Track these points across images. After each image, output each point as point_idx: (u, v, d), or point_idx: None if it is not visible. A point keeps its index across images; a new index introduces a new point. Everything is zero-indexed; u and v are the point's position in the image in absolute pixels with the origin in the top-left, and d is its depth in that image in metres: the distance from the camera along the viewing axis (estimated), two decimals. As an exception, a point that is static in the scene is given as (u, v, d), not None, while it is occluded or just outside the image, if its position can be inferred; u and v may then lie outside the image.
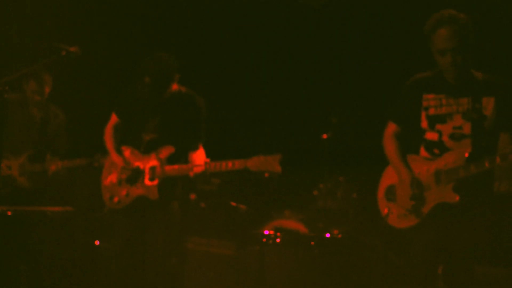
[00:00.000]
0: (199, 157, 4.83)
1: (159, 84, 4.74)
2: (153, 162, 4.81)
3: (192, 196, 6.39)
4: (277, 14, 7.31)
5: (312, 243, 5.47)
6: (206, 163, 4.62)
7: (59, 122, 6.18)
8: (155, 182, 4.77)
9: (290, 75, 7.33)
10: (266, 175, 4.37)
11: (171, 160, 4.79)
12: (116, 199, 4.91)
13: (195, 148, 4.89)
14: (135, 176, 4.85)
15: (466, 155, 3.85)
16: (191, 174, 4.65)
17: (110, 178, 4.99)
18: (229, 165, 4.53)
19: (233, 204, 6.36)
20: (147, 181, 4.80)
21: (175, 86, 4.86)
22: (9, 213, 5.29)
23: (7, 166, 5.88)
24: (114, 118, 5.10)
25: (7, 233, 5.25)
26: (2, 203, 5.38)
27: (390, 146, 4.21)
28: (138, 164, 4.86)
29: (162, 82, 4.74)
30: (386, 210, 4.19)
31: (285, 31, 7.26)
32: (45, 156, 5.93)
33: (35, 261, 5.42)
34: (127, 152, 4.96)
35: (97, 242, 5.87)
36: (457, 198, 3.84)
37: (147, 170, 4.81)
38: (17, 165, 5.92)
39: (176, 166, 4.74)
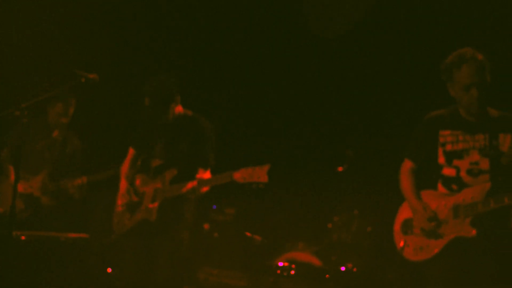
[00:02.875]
0: None
1: (158, 104, 4.75)
2: (157, 185, 4.82)
3: (206, 226, 6.38)
4: (292, 46, 7.35)
5: (327, 276, 5.44)
6: (198, 179, 4.59)
7: (75, 146, 6.21)
8: (155, 204, 4.76)
9: (308, 108, 7.36)
10: (254, 186, 4.32)
11: (175, 182, 4.74)
12: (121, 224, 4.94)
13: (202, 172, 4.79)
14: (133, 205, 4.87)
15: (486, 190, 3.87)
16: (184, 190, 4.60)
17: (121, 205, 5.01)
18: (218, 179, 4.51)
19: (248, 234, 6.33)
20: (148, 204, 4.81)
21: (180, 109, 4.89)
22: (23, 237, 5.29)
23: (27, 186, 5.87)
24: (130, 151, 5.15)
25: (20, 257, 5.24)
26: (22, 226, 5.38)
27: (405, 182, 4.26)
28: (145, 189, 4.87)
29: (160, 102, 4.75)
30: (402, 243, 4.19)
31: (305, 65, 7.30)
32: (63, 176, 5.95)
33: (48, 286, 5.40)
34: (138, 179, 4.98)
35: (109, 270, 5.84)
36: (474, 232, 3.86)
37: (150, 193, 4.83)
38: (38, 184, 5.93)
39: (173, 186, 4.71)
